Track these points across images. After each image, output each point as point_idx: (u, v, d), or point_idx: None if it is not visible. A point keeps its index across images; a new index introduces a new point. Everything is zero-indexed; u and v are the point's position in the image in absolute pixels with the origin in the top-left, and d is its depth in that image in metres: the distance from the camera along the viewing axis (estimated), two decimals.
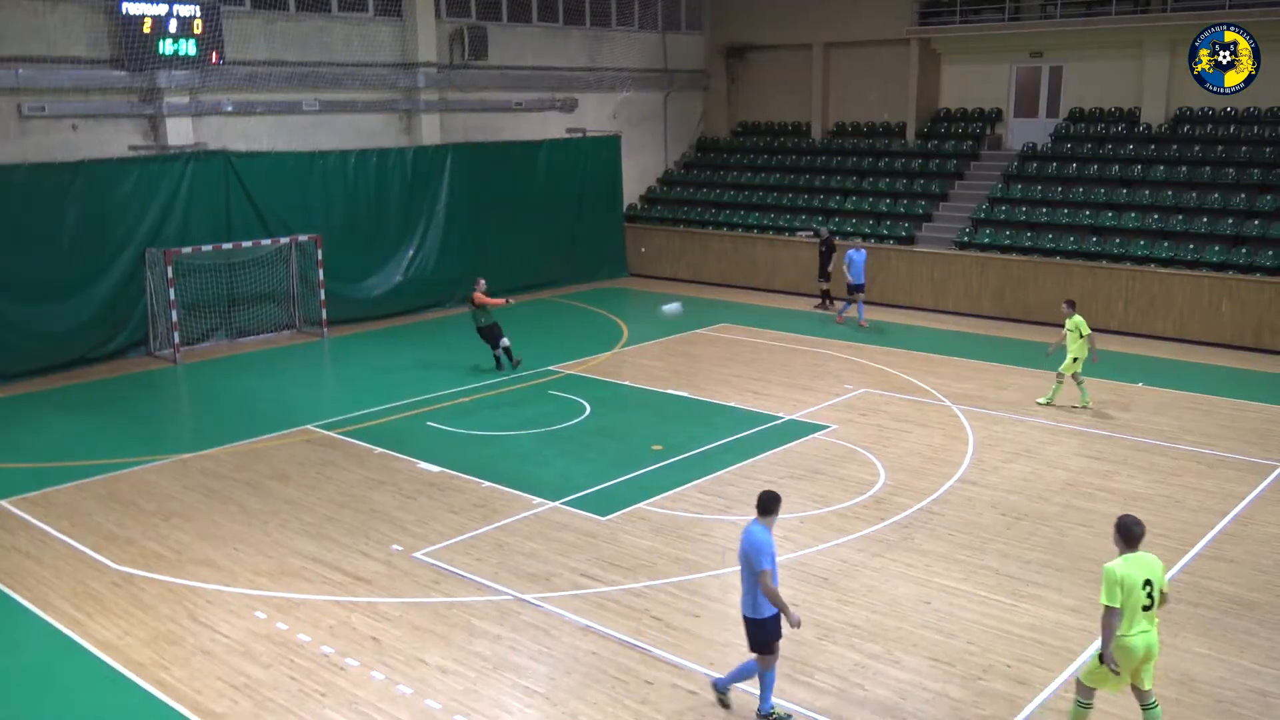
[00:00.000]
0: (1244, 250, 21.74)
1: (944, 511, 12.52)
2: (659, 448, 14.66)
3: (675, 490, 13.13)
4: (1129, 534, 7.48)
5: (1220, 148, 24.30)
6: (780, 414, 16.33)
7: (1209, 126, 24.97)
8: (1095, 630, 9.50)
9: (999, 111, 28.26)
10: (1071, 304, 16.88)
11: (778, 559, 8.14)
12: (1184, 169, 24.14)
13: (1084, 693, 7.72)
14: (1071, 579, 10.70)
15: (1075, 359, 16.39)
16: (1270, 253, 21.35)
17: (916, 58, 28.81)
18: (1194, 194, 23.48)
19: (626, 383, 18.36)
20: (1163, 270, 21.93)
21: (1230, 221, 22.50)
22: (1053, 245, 23.70)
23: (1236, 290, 21.05)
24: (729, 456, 14.37)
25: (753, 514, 12.19)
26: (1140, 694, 7.62)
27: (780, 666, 9.02)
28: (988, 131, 28.18)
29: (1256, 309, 20.80)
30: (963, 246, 24.78)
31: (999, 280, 23.89)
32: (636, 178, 30.97)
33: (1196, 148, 24.55)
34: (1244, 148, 24.01)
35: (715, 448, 14.75)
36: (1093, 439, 15.34)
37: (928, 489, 13.19)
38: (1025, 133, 27.54)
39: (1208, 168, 23.91)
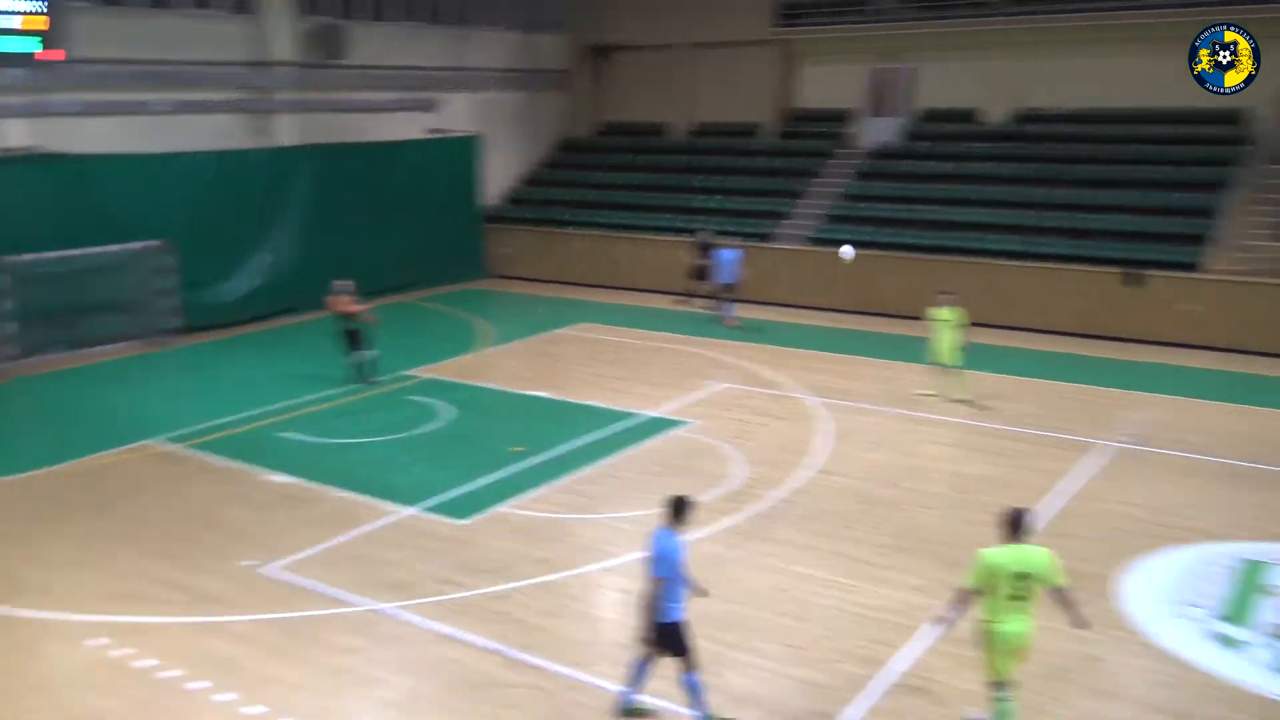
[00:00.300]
0: (1086, 243, 22.86)
1: (802, 501, 12.80)
2: (520, 449, 14.58)
3: (536, 491, 13.08)
4: (1010, 525, 7.59)
5: (1062, 145, 25.48)
6: (642, 411, 16.43)
7: (1051, 125, 26.19)
8: (937, 607, 9.90)
9: (854, 111, 29.03)
10: (948, 294, 17.26)
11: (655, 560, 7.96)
12: (1028, 166, 25.23)
13: (996, 689, 7.78)
14: (918, 560, 11.07)
15: (956, 349, 16.90)
16: (1110, 245, 22.53)
17: (777, 59, 29.42)
18: (1039, 190, 24.56)
19: (487, 385, 18.21)
20: (1010, 263, 22.89)
21: (1073, 216, 23.62)
22: (907, 240, 24.47)
23: (1079, 281, 22.19)
24: (590, 455, 14.39)
25: (613, 511, 12.46)
26: (1000, 683, 7.72)
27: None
28: (844, 130, 28.92)
29: (1097, 298, 21.96)
30: (819, 243, 25.39)
31: (855, 275, 24.52)
32: (500, 178, 30.74)
33: (1040, 145, 25.71)
34: (1084, 145, 25.24)
35: (577, 447, 14.75)
36: (944, 426, 15.91)
37: (787, 480, 13.45)
38: (879, 132, 28.35)
39: (1051, 165, 25.04)
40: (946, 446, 15.06)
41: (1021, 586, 7.43)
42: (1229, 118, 24.26)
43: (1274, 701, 8.53)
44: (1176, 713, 8.39)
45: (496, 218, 29.99)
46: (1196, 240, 22.05)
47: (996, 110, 27.02)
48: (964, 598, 7.66)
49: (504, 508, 12.55)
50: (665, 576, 7.84)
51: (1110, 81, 25.46)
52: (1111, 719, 8.36)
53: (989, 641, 7.59)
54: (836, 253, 19.07)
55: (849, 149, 28.39)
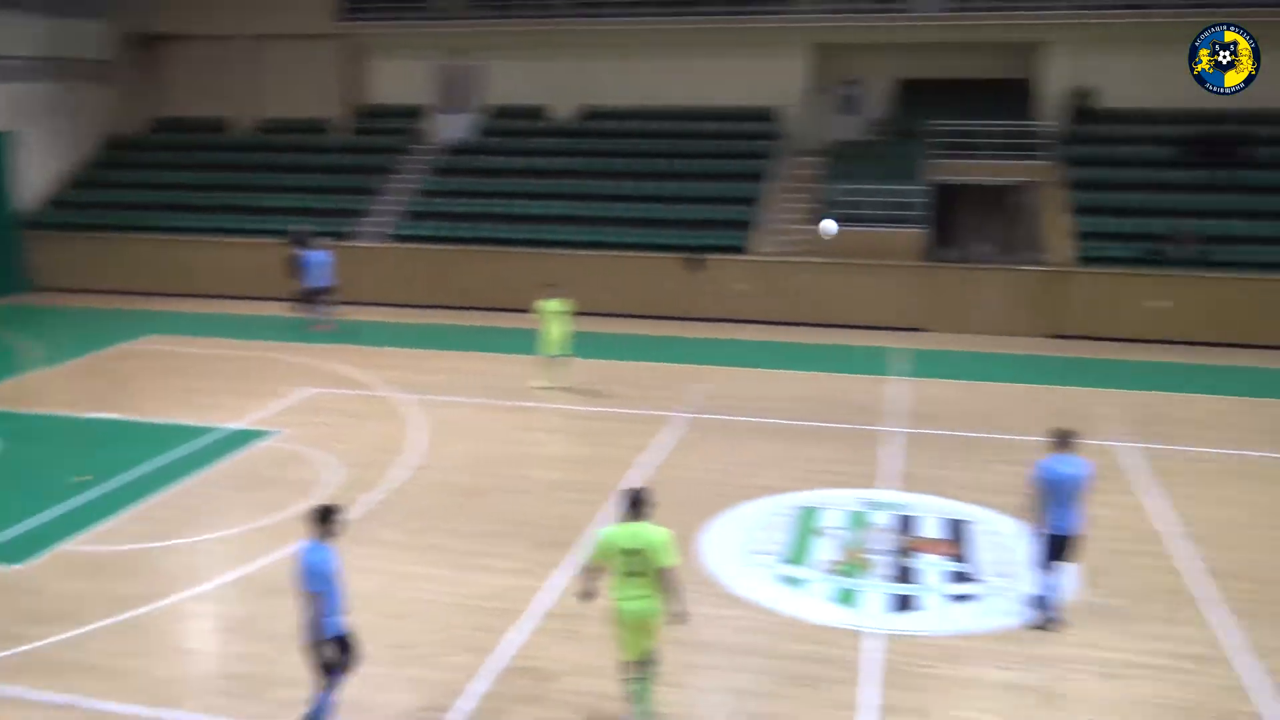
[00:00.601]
0: (652, 232, 24.55)
1: (400, 500, 12.70)
2: (85, 479, 13.16)
3: (107, 523, 11.90)
4: (628, 503, 7.77)
5: (625, 141, 27.16)
6: (225, 425, 15.48)
7: (614, 122, 27.81)
8: (541, 588, 10.29)
9: (427, 107, 29.08)
10: (554, 286, 17.76)
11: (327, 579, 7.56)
12: (595, 160, 26.62)
13: (630, 669, 7.93)
14: (518, 545, 11.38)
15: (564, 339, 17.38)
16: (673, 233, 24.36)
17: (344, 52, 28.76)
18: (606, 183, 25.99)
19: (38, 411, 16.30)
20: (586, 253, 24.05)
21: (638, 206, 25.25)
22: (487, 235, 24.96)
23: (649, 267, 23.81)
24: (169, 477, 13.33)
25: (198, 534, 11.64)
26: (638, 659, 7.94)
27: (237, 687, 8.65)
28: (417, 126, 28.88)
29: (665, 282, 23.69)
30: (400, 239, 25.27)
31: (437, 270, 24.72)
32: (39, 181, 27.44)
33: (605, 141, 27.23)
34: (644, 140, 27.06)
35: (152, 469, 13.60)
36: (536, 413, 16.45)
37: (383, 480, 13.28)
38: (453, 128, 28.62)
39: (616, 159, 26.59)
40: (540, 432, 15.60)
41: (634, 563, 7.61)
42: (763, 115, 27.06)
43: (835, 629, 9.70)
44: (757, 652, 9.30)
45: (37, 224, 26.80)
46: (744, 226, 24.44)
47: (564, 107, 28.28)
48: (586, 572, 7.92)
49: (69, 545, 11.30)
50: (320, 590, 7.49)
51: (665, 81, 27.53)
52: (704, 668, 9.09)
53: (614, 618, 7.82)
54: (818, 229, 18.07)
55: (424, 145, 28.41)
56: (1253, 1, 24.23)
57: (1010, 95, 26.13)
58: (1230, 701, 8.48)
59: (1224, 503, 12.86)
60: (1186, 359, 20.68)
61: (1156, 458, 14.45)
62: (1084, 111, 25.64)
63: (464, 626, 9.62)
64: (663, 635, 9.07)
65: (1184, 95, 24.99)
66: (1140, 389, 18.40)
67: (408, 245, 25.11)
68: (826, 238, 17.58)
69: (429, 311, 24.05)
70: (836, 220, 17.42)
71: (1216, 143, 24.04)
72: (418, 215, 25.88)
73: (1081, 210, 23.41)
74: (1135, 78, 25.07)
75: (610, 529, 7.83)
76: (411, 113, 28.99)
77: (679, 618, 7.81)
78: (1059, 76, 25.81)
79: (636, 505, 7.77)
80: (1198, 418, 16.63)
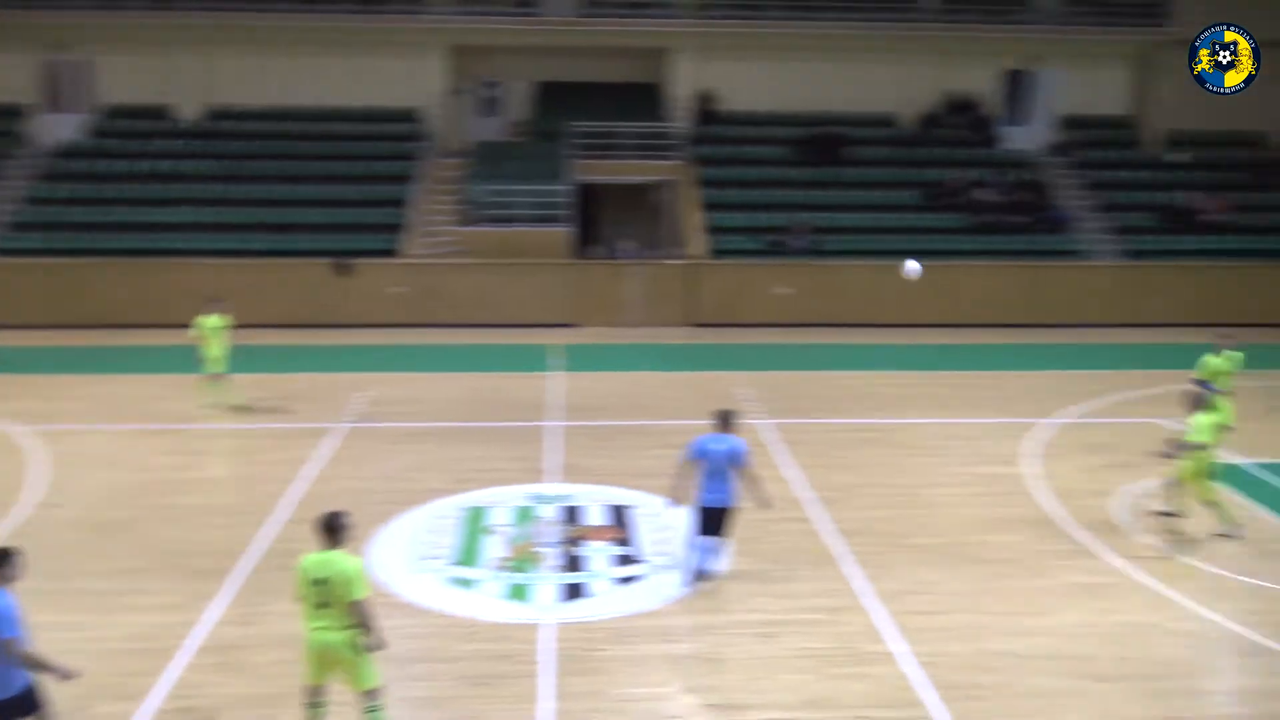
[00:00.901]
0: (291, 237, 23.55)
1: (22, 543, 11.26)
2: None
3: None
4: (323, 529, 7.37)
5: (257, 142, 25.86)
6: None
7: (244, 123, 26.40)
8: (197, 621, 9.66)
9: (27, 107, 26.24)
10: (216, 300, 16.65)
11: None
12: (225, 163, 25.18)
13: (306, 694, 7.55)
14: (164, 578, 10.57)
15: (224, 355, 16.28)
16: (316, 237, 23.56)
17: None
18: (238, 187, 24.65)
19: None
20: (227, 261, 22.72)
21: (275, 211, 24.16)
22: (109, 245, 22.95)
23: (291, 274, 22.91)
24: None
25: None
26: (357, 697, 7.59)
27: None
28: (18, 128, 26.00)
29: (312, 289, 22.86)
30: (6, 254, 22.69)
31: (60, 286, 22.50)
32: None
33: (235, 143, 25.79)
34: (278, 142, 25.90)
35: None
36: (170, 435, 15.36)
37: None
38: (60, 129, 26.01)
39: (248, 161, 25.26)
40: (189, 455, 14.56)
41: (321, 593, 7.27)
42: (406, 116, 26.74)
43: (509, 625, 9.79)
44: (432, 658, 9.21)
45: None
46: (393, 229, 24.05)
47: (188, 107, 26.50)
48: (299, 603, 7.48)
49: None
50: (12, 635, 6.72)
51: (300, 80, 26.50)
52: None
53: (305, 647, 7.45)
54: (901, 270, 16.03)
55: (26, 149, 25.63)
56: (861, 17, 26.94)
57: (644, 98, 27.51)
58: (865, 644, 9.44)
59: (847, 467, 14.28)
60: (809, 340, 22.73)
61: (790, 431, 15.79)
62: (708, 114, 27.45)
63: (110, 673, 8.79)
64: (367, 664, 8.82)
65: (794, 99, 27.54)
66: (772, 369, 20.02)
67: (18, 259, 22.55)
68: (913, 277, 17.10)
69: (54, 333, 21.74)
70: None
71: (822, 142, 26.58)
72: (24, 226, 23.33)
73: (711, 206, 25.08)
74: (752, 82, 27.18)
75: (307, 559, 7.43)
76: (9, 112, 26.05)
77: (372, 648, 7.45)
78: (685, 81, 27.48)
79: (330, 531, 7.40)
80: (821, 393, 18.33)
